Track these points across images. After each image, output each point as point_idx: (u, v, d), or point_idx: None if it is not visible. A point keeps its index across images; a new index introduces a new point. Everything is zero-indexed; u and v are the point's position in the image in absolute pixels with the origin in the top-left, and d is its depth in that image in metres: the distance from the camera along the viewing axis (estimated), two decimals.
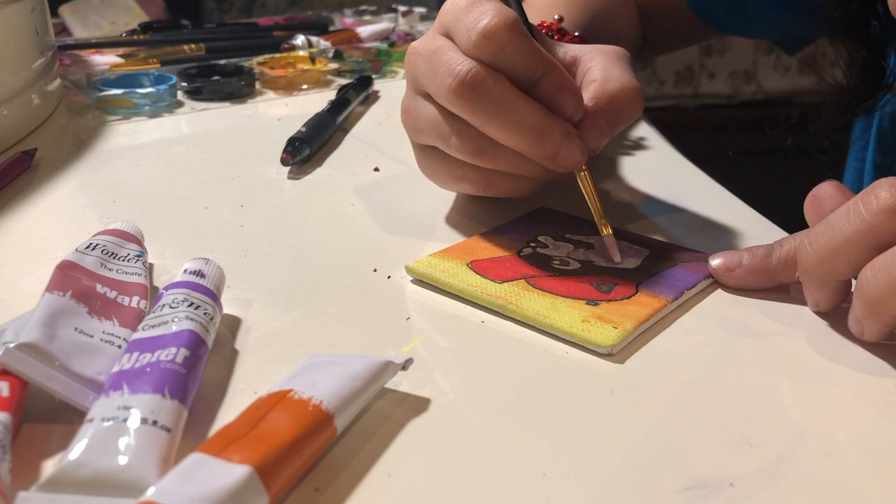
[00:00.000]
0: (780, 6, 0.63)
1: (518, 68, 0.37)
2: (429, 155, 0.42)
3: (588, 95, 0.40)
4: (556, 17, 0.55)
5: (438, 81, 0.38)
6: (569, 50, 0.43)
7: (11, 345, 0.27)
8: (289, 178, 0.50)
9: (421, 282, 0.37)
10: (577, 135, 0.38)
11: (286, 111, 0.64)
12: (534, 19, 0.53)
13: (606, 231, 0.39)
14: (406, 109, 0.41)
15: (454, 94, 0.37)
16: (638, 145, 0.56)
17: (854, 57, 0.54)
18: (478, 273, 0.37)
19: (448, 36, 0.39)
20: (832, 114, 0.56)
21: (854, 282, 0.32)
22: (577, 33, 0.55)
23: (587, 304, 0.34)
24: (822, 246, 0.32)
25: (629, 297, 0.35)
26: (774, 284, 0.36)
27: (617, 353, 0.32)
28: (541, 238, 0.41)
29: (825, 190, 0.36)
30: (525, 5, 0.51)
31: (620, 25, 0.63)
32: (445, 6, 0.39)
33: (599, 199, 0.39)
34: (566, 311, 0.34)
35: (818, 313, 0.35)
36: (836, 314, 0.34)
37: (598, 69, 0.41)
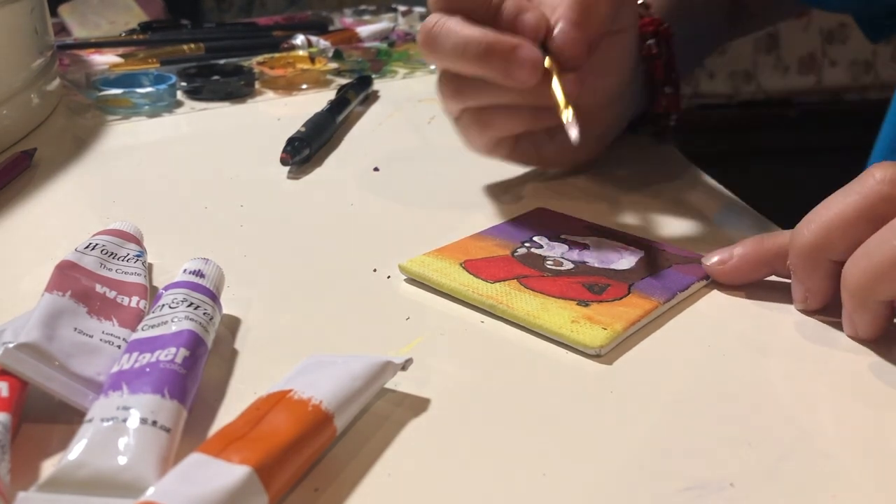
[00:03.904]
0: None
1: (470, 7, 0.41)
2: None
3: (557, 13, 0.41)
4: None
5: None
6: None
7: (11, 345, 0.27)
8: (289, 178, 0.50)
9: (419, 281, 0.37)
10: (527, 47, 0.39)
11: (286, 111, 0.64)
12: None
13: (568, 111, 0.39)
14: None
15: (421, 47, 0.42)
16: (645, 147, 0.56)
17: None
18: (470, 272, 0.37)
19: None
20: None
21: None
22: (667, 24, 0.51)
23: (578, 304, 0.34)
24: (818, 223, 0.32)
25: (620, 299, 0.35)
26: (769, 273, 0.36)
27: (606, 354, 0.32)
28: (536, 238, 0.40)
29: None
30: None
31: (706, 9, 0.61)
32: None
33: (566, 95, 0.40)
34: (556, 312, 0.34)
35: (805, 312, 0.35)
36: (836, 315, 0.34)
37: None
